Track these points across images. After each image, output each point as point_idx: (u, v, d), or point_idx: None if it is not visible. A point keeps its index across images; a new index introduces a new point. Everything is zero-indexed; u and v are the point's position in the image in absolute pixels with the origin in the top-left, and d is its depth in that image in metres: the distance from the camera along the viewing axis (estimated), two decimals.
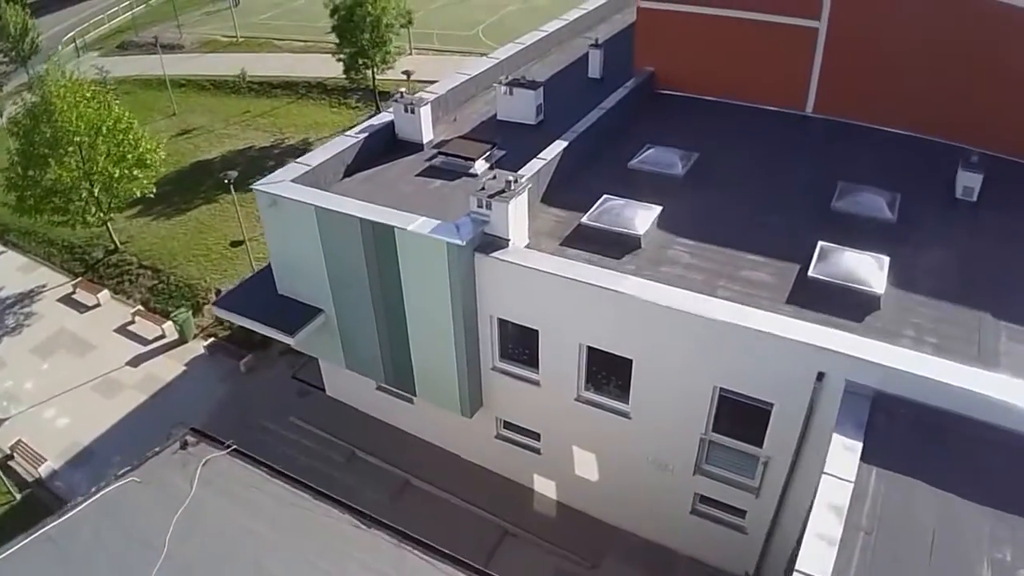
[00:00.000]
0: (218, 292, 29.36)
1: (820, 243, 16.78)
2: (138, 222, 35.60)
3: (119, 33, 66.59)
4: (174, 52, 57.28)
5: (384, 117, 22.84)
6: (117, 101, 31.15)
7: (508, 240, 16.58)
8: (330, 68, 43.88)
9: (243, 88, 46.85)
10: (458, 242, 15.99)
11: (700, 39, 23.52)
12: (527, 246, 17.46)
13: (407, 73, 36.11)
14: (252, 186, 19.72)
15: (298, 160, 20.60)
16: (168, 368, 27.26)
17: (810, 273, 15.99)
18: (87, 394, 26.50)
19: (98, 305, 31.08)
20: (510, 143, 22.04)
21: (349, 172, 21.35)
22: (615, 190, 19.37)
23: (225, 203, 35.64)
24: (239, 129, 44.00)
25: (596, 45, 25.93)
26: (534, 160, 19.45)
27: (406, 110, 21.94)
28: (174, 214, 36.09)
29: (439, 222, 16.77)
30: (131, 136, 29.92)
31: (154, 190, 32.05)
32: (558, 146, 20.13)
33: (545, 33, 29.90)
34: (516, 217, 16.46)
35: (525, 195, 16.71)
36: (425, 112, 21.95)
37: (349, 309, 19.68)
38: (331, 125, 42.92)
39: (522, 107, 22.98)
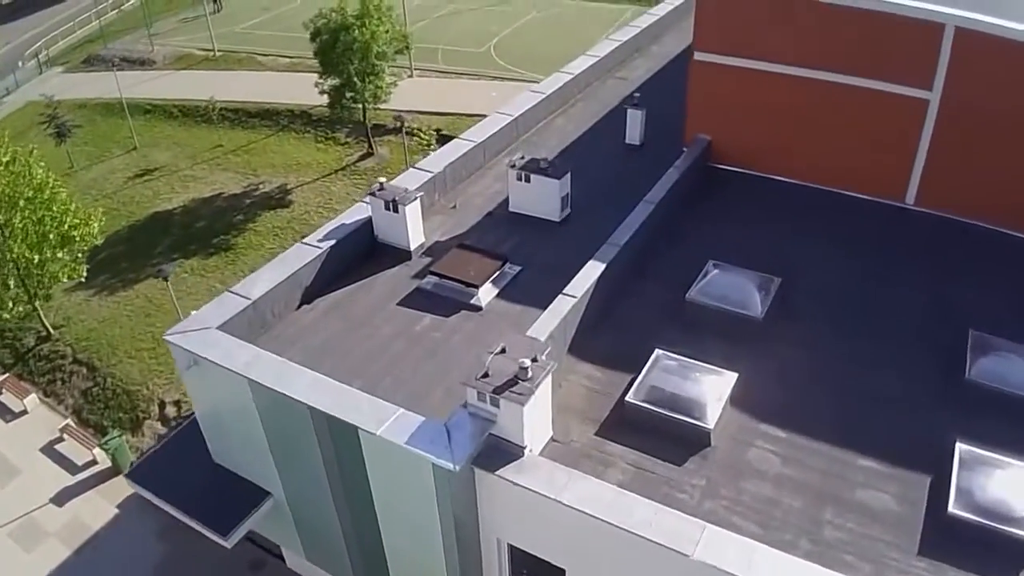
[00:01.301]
0: (162, 404, 24.93)
1: (958, 444, 12.16)
2: (77, 297, 31.21)
3: (88, 44, 62.42)
4: (144, 68, 53.06)
5: (359, 213, 18.21)
6: (42, 164, 26.68)
7: (523, 447, 11.90)
8: (317, 93, 39.30)
9: (215, 117, 42.40)
10: (448, 465, 11.34)
11: (772, 104, 18.93)
12: (551, 440, 12.82)
13: (400, 120, 30.78)
14: (165, 337, 15.19)
15: (233, 289, 16.02)
16: (97, 511, 22.94)
17: (950, 508, 11.31)
18: (3, 543, 22.25)
19: (25, 412, 26.78)
20: (526, 251, 17.54)
21: (309, 296, 16.77)
22: (669, 336, 14.79)
23: (180, 272, 31.20)
24: (207, 169, 39.57)
25: (635, 104, 21.18)
26: (559, 299, 14.76)
27: (387, 207, 17.32)
28: (119, 287, 31.69)
29: (421, 421, 12.12)
30: (56, 208, 25.44)
31: (84, 274, 27.59)
32: (592, 271, 15.48)
33: (570, 76, 25.20)
34: (534, 416, 11.80)
35: (548, 383, 12.01)
36: (413, 211, 17.36)
37: (303, 495, 15.15)
38: (315, 166, 38.41)
39: (542, 199, 18.37)
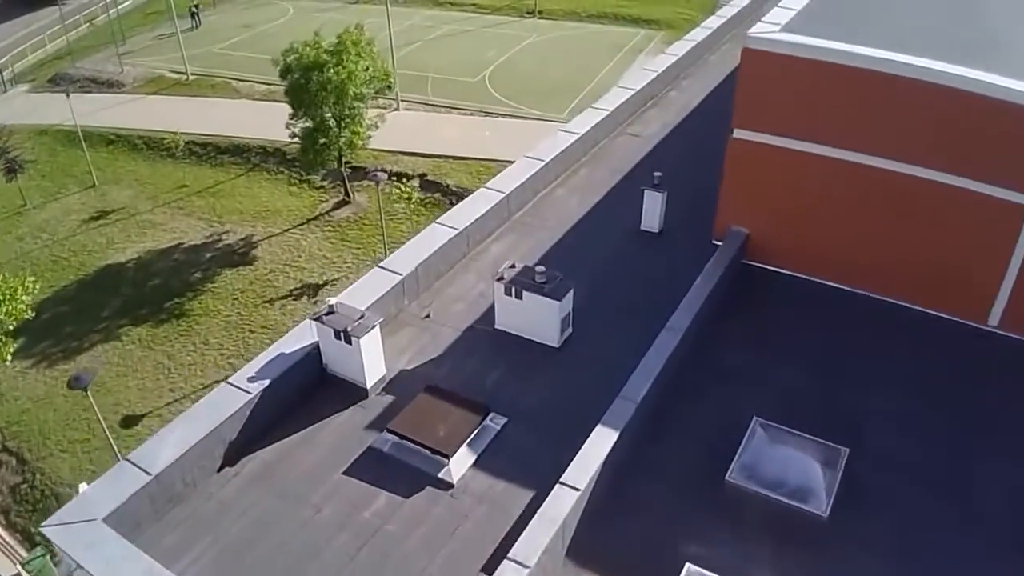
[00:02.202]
0: None
1: None
2: (13, 369, 27.40)
3: (58, 60, 58.79)
4: (112, 90, 49.61)
5: (303, 337, 14.39)
6: None
7: None
8: (288, 136, 35.56)
9: (179, 153, 38.79)
10: None
11: (830, 196, 15.28)
12: None
13: (375, 180, 26.62)
14: (42, 527, 11.50)
15: (131, 458, 12.19)
16: None
17: None
18: None
19: None
20: (515, 389, 13.96)
21: (233, 455, 12.96)
22: (703, 533, 11.09)
23: (127, 342, 27.50)
24: (168, 214, 35.87)
25: (656, 185, 17.44)
26: (556, 491, 11.02)
27: (338, 336, 13.51)
28: (60, 357, 28.00)
29: None
30: None
31: (9, 357, 23.86)
32: (602, 441, 11.75)
33: (574, 137, 21.49)
34: None
35: None
36: (371, 342, 13.55)
37: None
38: (286, 214, 34.72)
39: (538, 320, 14.62)
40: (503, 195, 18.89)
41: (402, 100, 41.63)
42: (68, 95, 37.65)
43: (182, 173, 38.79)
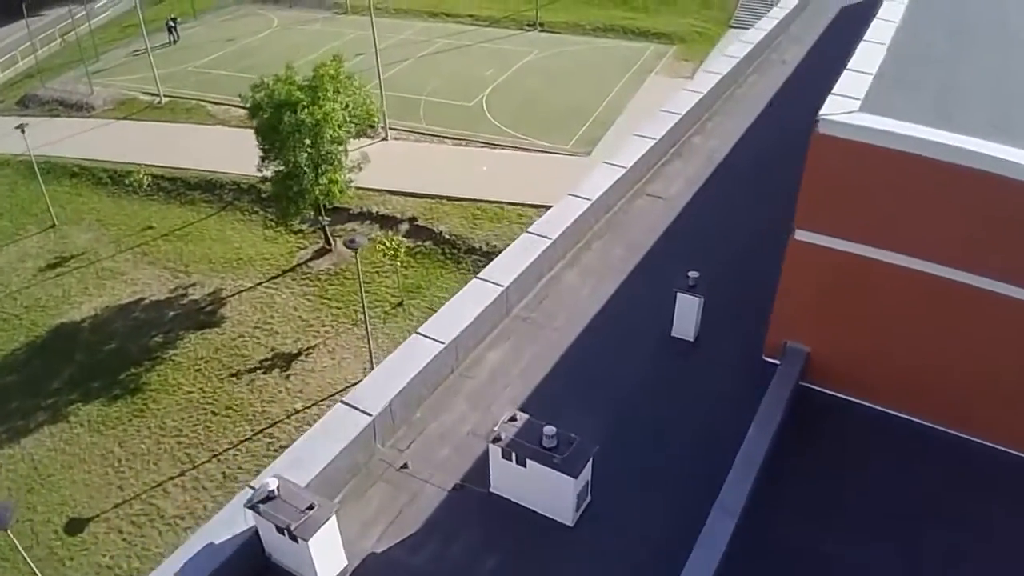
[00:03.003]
0: None
1: None
2: None
3: (29, 79, 55.45)
4: (81, 114, 46.29)
5: (238, 525, 11.03)
6: None
7: None
8: (259, 181, 32.17)
9: (142, 192, 35.49)
10: None
11: (911, 315, 11.99)
12: None
13: (354, 247, 22.89)
14: None
15: None
16: None
17: None
18: None
19: None
20: None
21: None
22: None
23: (75, 423, 24.24)
24: (131, 261, 32.54)
25: (692, 286, 14.10)
26: None
27: (281, 532, 10.16)
28: (3, 439, 24.67)
29: None
30: None
31: None
32: None
33: (586, 204, 18.18)
34: None
35: None
36: (322, 540, 10.17)
37: None
38: (259, 263, 31.40)
39: (545, 492, 11.22)
40: (501, 289, 15.55)
41: (391, 128, 38.21)
42: (23, 131, 34.22)
43: (148, 212, 35.43)
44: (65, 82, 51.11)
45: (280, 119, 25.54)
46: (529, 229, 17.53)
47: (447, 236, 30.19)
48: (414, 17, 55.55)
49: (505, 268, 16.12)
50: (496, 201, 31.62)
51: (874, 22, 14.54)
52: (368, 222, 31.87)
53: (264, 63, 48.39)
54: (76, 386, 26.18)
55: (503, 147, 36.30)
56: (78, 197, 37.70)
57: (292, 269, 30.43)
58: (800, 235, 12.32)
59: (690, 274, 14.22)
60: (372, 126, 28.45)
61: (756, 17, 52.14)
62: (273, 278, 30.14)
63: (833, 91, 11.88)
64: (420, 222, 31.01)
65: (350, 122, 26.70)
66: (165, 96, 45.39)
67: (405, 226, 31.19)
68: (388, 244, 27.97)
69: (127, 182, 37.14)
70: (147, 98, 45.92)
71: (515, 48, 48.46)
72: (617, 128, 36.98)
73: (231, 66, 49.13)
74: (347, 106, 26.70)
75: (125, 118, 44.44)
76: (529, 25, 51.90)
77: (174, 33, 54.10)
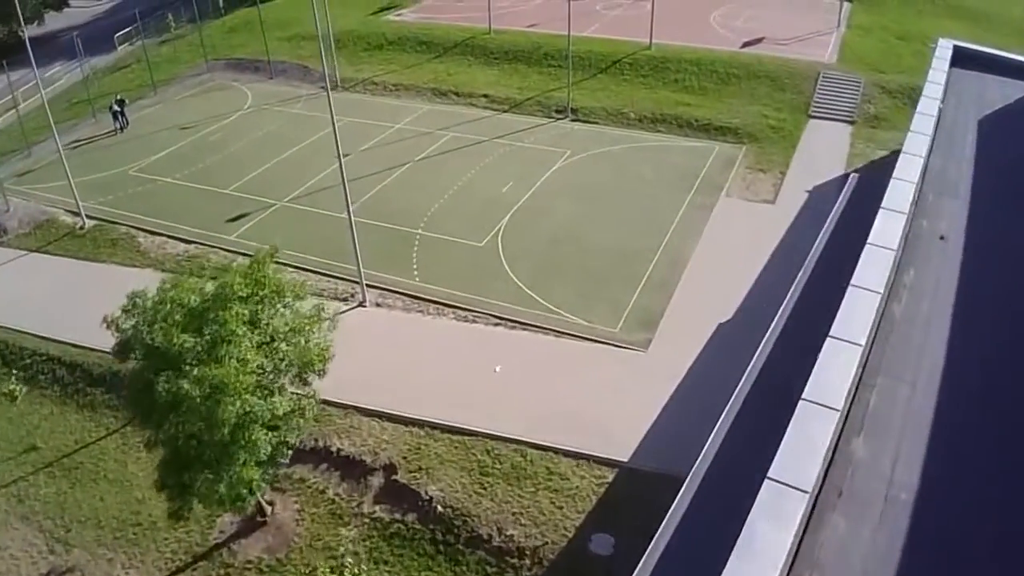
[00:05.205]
0: None
1: None
2: None
3: None
4: None
5: None
6: None
7: None
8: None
9: (20, 392, 26.06)
10: None
11: None
12: None
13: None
14: None
15: None
16: None
17: None
18: None
19: None
20: None
21: None
22: None
23: None
24: (2, 510, 22.82)
25: None
26: None
27: None
28: None
29: None
30: None
31: None
32: None
33: None
34: None
35: None
36: None
37: None
38: (164, 536, 21.47)
39: None
40: None
41: (370, 285, 28.31)
42: None
43: (36, 420, 25.84)
44: None
45: (152, 384, 15.77)
46: None
47: (440, 509, 20.17)
48: (417, 96, 45.91)
49: None
50: (515, 440, 21.60)
51: None
52: (325, 467, 21.94)
53: (219, 166, 39.15)
54: None
55: (523, 325, 26.18)
56: None
57: (204, 556, 20.52)
58: None
59: None
60: (319, 373, 18.14)
61: (840, 103, 41.98)
62: (179, 571, 20.25)
63: None
64: (400, 476, 21.04)
65: (271, 384, 16.83)
66: (89, 218, 35.89)
67: (378, 481, 21.20)
68: (336, 562, 17.56)
69: (21, 362, 27.67)
70: (69, 219, 36.44)
71: (541, 148, 38.51)
72: (683, 293, 26.89)
73: (181, 170, 39.68)
74: (278, 351, 16.85)
75: (38, 249, 34.94)
76: (558, 111, 41.97)
77: (121, 118, 44.78)
